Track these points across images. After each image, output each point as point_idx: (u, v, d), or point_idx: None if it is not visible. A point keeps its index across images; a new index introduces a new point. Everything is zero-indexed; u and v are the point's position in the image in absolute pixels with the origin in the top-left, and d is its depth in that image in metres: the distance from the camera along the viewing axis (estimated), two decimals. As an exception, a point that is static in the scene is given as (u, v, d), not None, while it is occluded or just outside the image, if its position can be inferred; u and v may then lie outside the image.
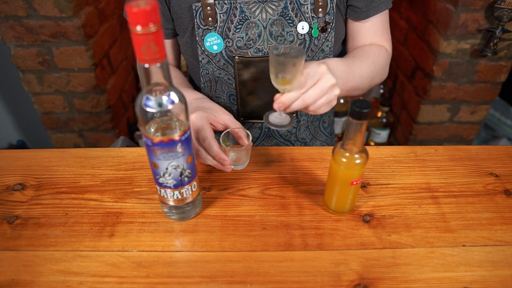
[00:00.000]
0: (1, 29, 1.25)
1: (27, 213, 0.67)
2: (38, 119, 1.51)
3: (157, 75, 0.50)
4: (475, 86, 1.39)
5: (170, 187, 0.59)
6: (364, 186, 0.72)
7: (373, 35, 0.86)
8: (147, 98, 0.51)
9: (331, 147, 0.68)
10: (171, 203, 0.62)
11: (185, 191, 0.60)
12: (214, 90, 0.88)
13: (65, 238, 0.62)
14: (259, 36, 0.79)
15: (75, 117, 1.49)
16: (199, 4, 0.76)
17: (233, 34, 0.79)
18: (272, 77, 0.62)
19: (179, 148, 0.55)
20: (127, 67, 1.70)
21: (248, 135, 0.69)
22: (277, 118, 0.66)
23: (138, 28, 0.44)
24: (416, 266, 0.58)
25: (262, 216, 0.66)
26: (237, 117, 0.90)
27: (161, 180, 0.58)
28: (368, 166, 0.76)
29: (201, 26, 0.78)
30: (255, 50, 0.80)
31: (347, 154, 0.59)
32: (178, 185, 0.59)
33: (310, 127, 0.97)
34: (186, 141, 0.55)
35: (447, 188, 0.72)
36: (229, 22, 0.78)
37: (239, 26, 0.78)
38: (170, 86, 0.52)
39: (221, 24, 0.78)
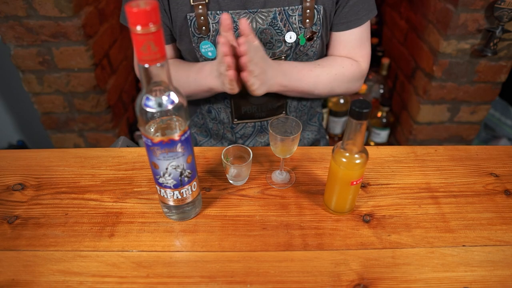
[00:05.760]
0: (1, 29, 1.24)
1: (27, 213, 0.67)
2: (38, 119, 1.51)
3: (157, 75, 0.50)
4: (475, 86, 1.39)
5: (170, 187, 0.59)
6: (364, 186, 0.72)
7: (350, 48, 0.88)
8: (147, 98, 0.51)
9: (331, 147, 0.68)
10: (171, 203, 0.62)
11: (185, 191, 0.60)
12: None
13: (65, 238, 0.62)
14: None
15: (75, 117, 1.49)
16: (193, 14, 0.79)
17: None
18: (272, 148, 0.70)
19: (179, 148, 0.55)
20: (127, 67, 1.70)
21: (249, 152, 0.70)
22: (278, 177, 0.73)
23: (138, 28, 0.44)
24: (416, 266, 0.58)
25: (262, 216, 0.66)
26: (231, 118, 0.93)
27: (161, 180, 0.58)
28: (368, 166, 0.76)
29: (196, 35, 0.81)
30: None
31: (347, 154, 0.59)
32: (178, 185, 0.59)
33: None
34: (186, 141, 0.55)
35: (447, 188, 0.72)
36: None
37: None
38: (170, 86, 0.52)
39: (213, 33, 0.80)
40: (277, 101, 0.90)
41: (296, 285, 0.56)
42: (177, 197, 0.61)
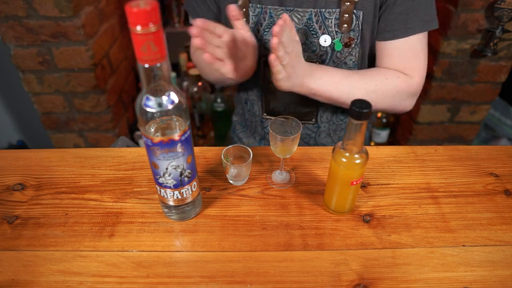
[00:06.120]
0: (1, 29, 1.25)
1: (27, 213, 0.67)
2: (38, 119, 1.51)
3: (157, 75, 0.50)
4: (475, 86, 1.39)
5: (170, 187, 0.59)
6: (364, 186, 0.72)
7: (398, 60, 0.81)
8: (147, 98, 0.51)
9: (331, 147, 0.68)
10: (171, 203, 0.62)
11: (185, 191, 0.60)
12: (248, 83, 0.94)
13: (65, 238, 0.62)
14: None
15: (75, 117, 1.49)
16: (237, 4, 0.80)
17: (261, 36, 0.83)
18: (272, 148, 0.69)
19: (179, 148, 0.55)
20: (127, 67, 1.70)
21: (249, 152, 0.70)
22: (278, 177, 0.73)
23: (138, 28, 0.44)
24: (416, 266, 0.58)
25: (262, 216, 0.66)
26: (261, 112, 0.95)
27: (161, 180, 0.58)
28: (368, 166, 0.76)
29: None
30: None
31: (347, 154, 0.59)
32: (178, 185, 0.59)
33: (333, 135, 0.98)
34: (186, 141, 0.55)
35: (447, 188, 0.72)
36: (259, 24, 0.82)
37: (267, 30, 0.82)
38: (170, 86, 0.52)
39: (252, 25, 0.82)
40: (305, 106, 0.89)
41: (296, 285, 0.56)
42: (177, 197, 0.61)
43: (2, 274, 0.57)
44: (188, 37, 1.98)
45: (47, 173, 0.75)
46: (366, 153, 0.59)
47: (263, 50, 0.83)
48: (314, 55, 0.82)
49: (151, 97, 0.51)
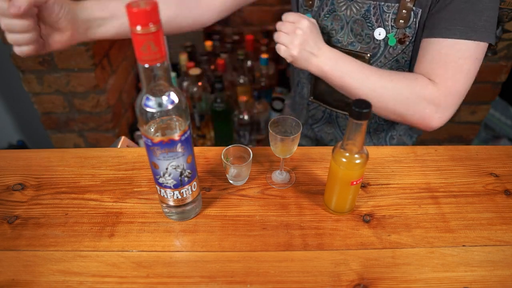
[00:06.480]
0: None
1: (27, 213, 0.67)
2: (38, 119, 1.52)
3: (157, 75, 0.50)
4: (475, 86, 1.39)
5: (170, 187, 0.59)
6: (364, 186, 0.72)
7: (426, 61, 0.75)
8: (147, 98, 0.51)
9: (331, 147, 0.68)
10: (171, 203, 0.62)
11: (185, 191, 0.60)
12: None
13: (65, 238, 0.62)
14: (342, 28, 0.84)
15: (75, 117, 1.49)
16: None
17: (321, 20, 0.86)
18: (272, 148, 0.69)
19: (179, 148, 0.55)
20: (127, 67, 1.70)
21: (249, 152, 0.70)
22: (278, 177, 0.73)
23: (138, 28, 0.44)
24: (416, 266, 0.58)
25: (262, 216, 0.66)
26: (308, 95, 0.99)
27: (161, 180, 0.58)
28: (368, 166, 0.76)
29: (303, 6, 0.88)
30: (335, 40, 0.86)
31: (347, 154, 0.59)
32: (178, 185, 0.59)
33: (373, 135, 0.99)
34: (186, 141, 0.55)
35: (447, 188, 0.72)
36: (321, 9, 0.85)
37: (327, 15, 0.84)
38: (170, 86, 0.52)
39: (315, 9, 0.86)
40: (348, 97, 0.85)
41: (296, 285, 0.56)
42: (177, 197, 0.61)
43: (2, 274, 0.57)
44: (188, 37, 1.98)
45: (47, 173, 0.75)
46: (366, 153, 0.59)
47: (322, 34, 0.81)
48: (366, 47, 0.83)
49: (151, 97, 0.51)
